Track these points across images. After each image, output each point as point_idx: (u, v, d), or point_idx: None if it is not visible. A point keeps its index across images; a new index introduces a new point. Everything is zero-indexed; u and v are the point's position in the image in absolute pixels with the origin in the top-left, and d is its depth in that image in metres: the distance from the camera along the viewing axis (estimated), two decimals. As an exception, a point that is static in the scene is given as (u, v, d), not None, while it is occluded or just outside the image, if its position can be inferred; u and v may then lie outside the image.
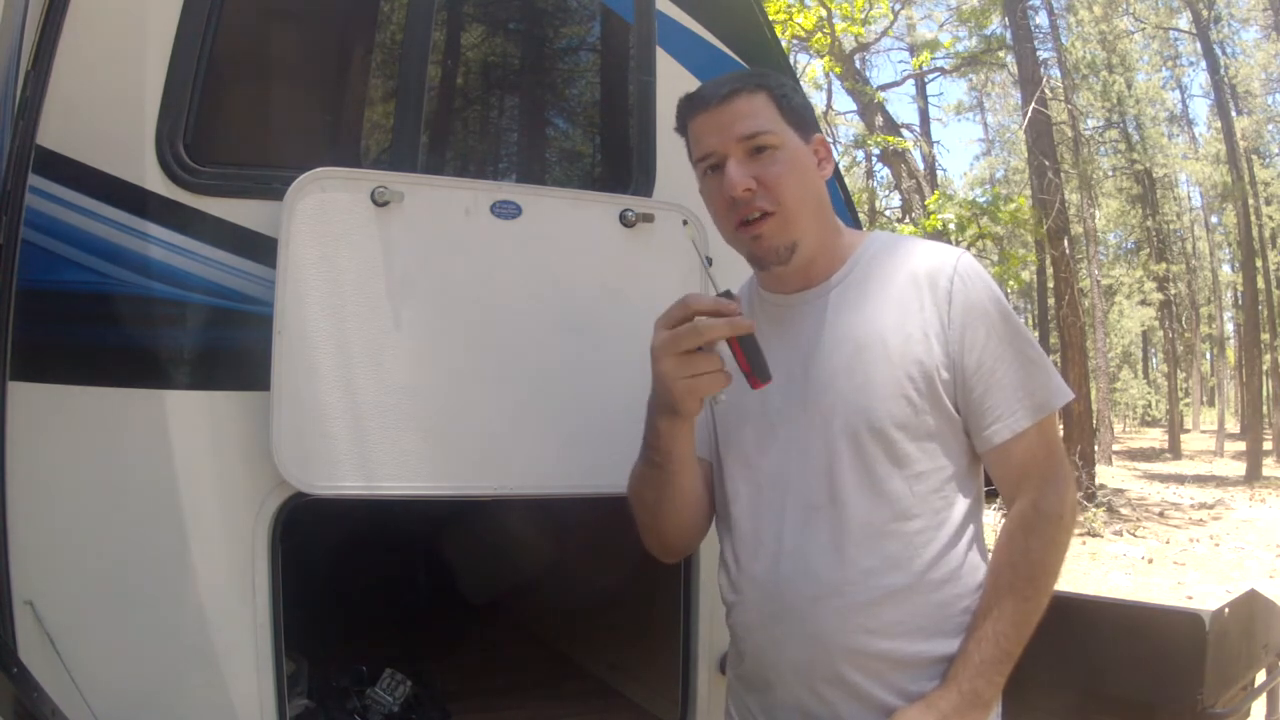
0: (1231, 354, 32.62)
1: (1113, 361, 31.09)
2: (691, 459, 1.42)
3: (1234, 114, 22.08)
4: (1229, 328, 32.79)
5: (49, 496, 1.63)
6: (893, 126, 14.34)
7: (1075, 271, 15.23)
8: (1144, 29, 23.36)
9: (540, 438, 1.87)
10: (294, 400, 1.69)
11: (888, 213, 16.43)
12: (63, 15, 1.65)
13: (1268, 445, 22.10)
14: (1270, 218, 24.18)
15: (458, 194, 1.85)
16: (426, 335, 1.79)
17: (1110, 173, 25.47)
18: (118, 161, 1.71)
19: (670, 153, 2.10)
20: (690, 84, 1.90)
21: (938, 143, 22.61)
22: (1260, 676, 2.16)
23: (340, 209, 1.75)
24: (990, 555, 1.36)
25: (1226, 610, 1.91)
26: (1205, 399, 39.31)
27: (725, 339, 1.24)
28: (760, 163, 1.34)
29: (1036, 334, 18.59)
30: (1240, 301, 26.63)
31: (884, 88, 15.67)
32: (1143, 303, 30.71)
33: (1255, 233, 21.87)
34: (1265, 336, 22.33)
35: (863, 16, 12.23)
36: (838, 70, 12.97)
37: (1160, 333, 31.54)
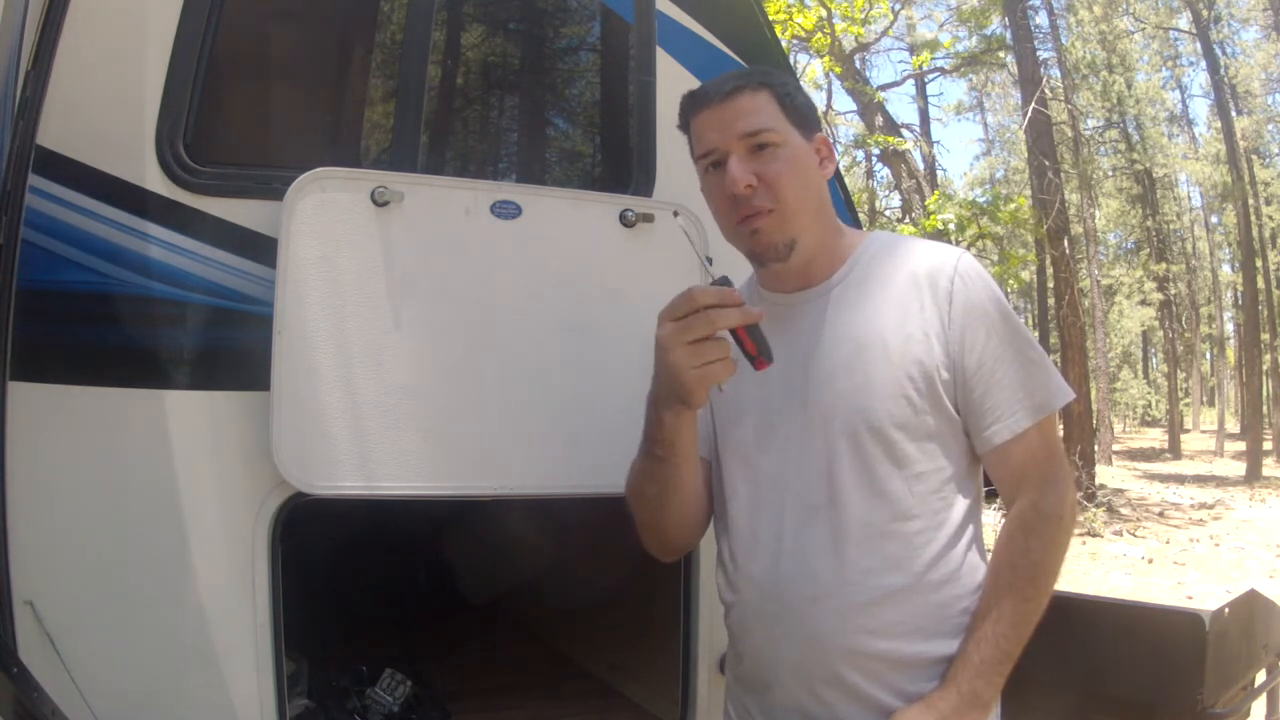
0: (1231, 354, 32.63)
1: (1113, 361, 31.10)
2: (694, 452, 1.42)
3: (1234, 114, 22.08)
4: (1229, 328, 32.81)
5: (49, 496, 1.63)
6: (893, 126, 14.34)
7: (1075, 271, 15.23)
8: (1144, 29, 23.37)
9: (540, 438, 1.87)
10: (294, 400, 1.69)
11: (888, 213, 16.44)
12: (63, 15, 1.65)
13: (1268, 445, 22.10)
14: (1270, 218, 24.18)
15: (458, 194, 1.85)
16: (426, 335, 1.80)
17: (1110, 173, 25.47)
18: (118, 161, 1.71)
19: (670, 153, 2.10)
20: (690, 84, 1.90)
21: (938, 143, 22.62)
22: (1260, 676, 2.16)
23: (340, 209, 1.75)
24: (990, 556, 1.36)
25: (1226, 610, 1.91)
26: (1205, 399, 39.32)
27: (734, 325, 1.24)
28: (761, 160, 1.34)
29: (1036, 334, 18.58)
30: (1240, 301, 26.63)
31: (884, 88, 15.68)
32: (1143, 303, 30.71)
33: (1255, 233, 21.87)
34: (1265, 336, 22.33)
35: (863, 16, 12.23)
36: (838, 70, 12.97)
37: (1160, 333, 31.54)
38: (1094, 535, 10.73)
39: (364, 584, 3.24)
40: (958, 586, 1.32)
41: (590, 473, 1.85)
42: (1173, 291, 27.06)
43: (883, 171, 17.35)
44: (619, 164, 2.37)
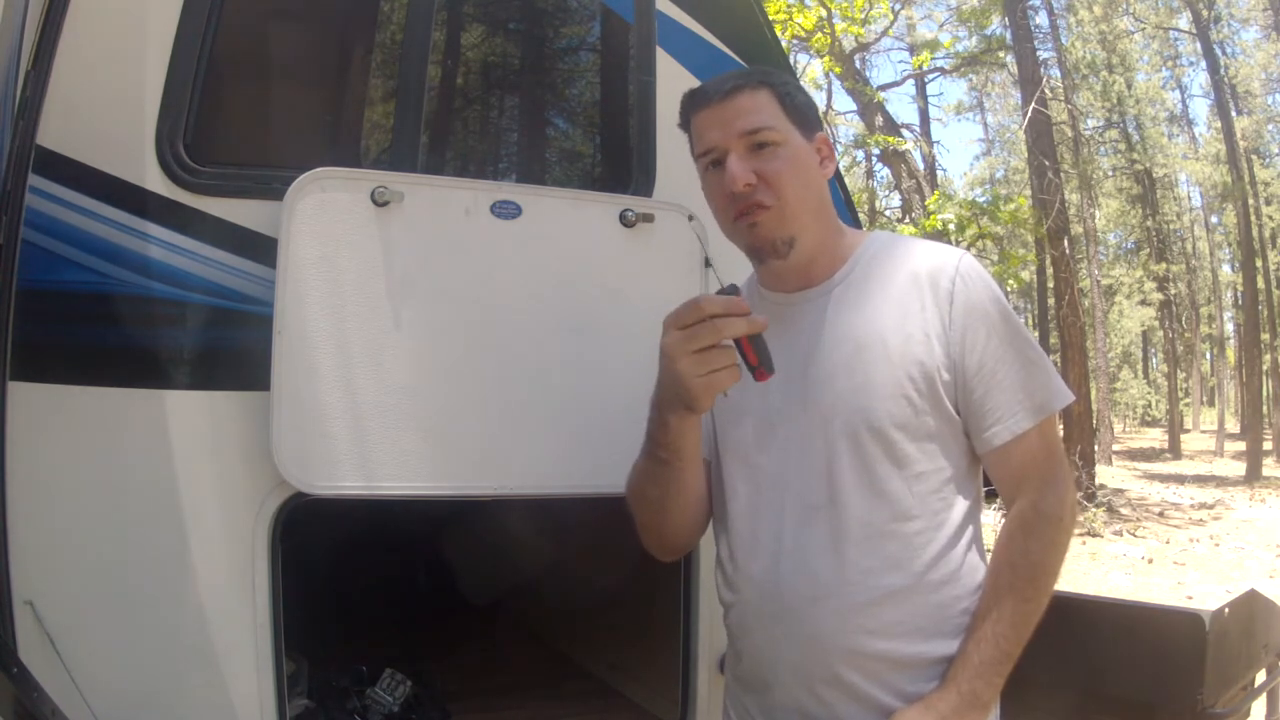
0: (1231, 354, 32.63)
1: (1113, 361, 31.10)
2: (698, 455, 1.42)
3: (1234, 114, 22.07)
4: (1229, 328, 32.80)
5: (49, 496, 1.63)
6: (893, 126, 14.34)
7: (1075, 271, 15.22)
8: (1144, 29, 23.36)
9: (540, 438, 1.87)
10: (294, 400, 1.69)
11: (888, 213, 16.44)
12: (63, 15, 1.65)
13: (1268, 445, 22.10)
14: (1270, 218, 24.18)
15: (458, 194, 1.85)
16: (426, 335, 1.79)
17: (1110, 173, 25.47)
18: (118, 161, 1.71)
19: (670, 153, 2.10)
20: (690, 84, 1.90)
21: (938, 143, 22.61)
22: (1260, 676, 2.16)
23: (340, 209, 1.75)
24: (990, 556, 1.36)
25: (1226, 610, 1.91)
26: (1205, 399, 39.31)
27: (740, 335, 1.24)
28: (761, 158, 1.34)
29: (1036, 334, 18.60)
30: (1240, 301, 26.63)
31: (884, 88, 15.69)
32: (1143, 303, 30.71)
33: (1255, 233, 21.87)
34: (1265, 336, 22.33)
35: (863, 16, 12.23)
36: (838, 70, 12.97)
37: (1160, 333, 31.54)
38: (1094, 535, 10.73)
39: (364, 584, 3.24)
40: (957, 587, 1.32)
41: (590, 473, 1.85)
42: (1173, 291, 27.06)
43: (883, 171, 17.37)
44: (619, 164, 2.37)
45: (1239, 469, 19.62)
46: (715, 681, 2.06)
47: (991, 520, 2.49)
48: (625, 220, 1.96)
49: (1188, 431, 32.67)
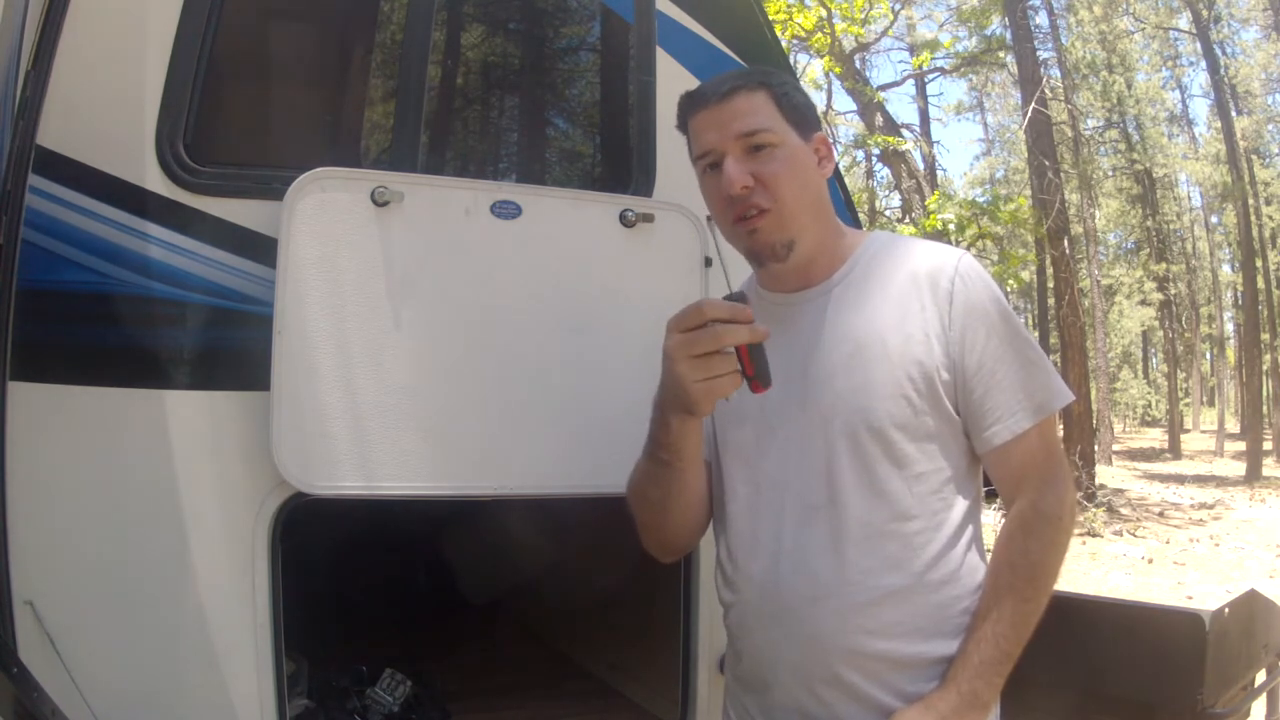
0: (1231, 354, 32.61)
1: (1113, 361, 31.09)
2: (699, 457, 1.42)
3: (1234, 114, 22.07)
4: (1229, 328, 32.80)
5: (49, 496, 1.63)
6: (893, 126, 14.34)
7: (1075, 271, 15.22)
8: (1144, 29, 23.36)
9: (540, 438, 1.87)
10: (294, 400, 1.69)
11: (888, 213, 16.44)
12: (63, 15, 1.65)
13: (1268, 445, 22.10)
14: (1270, 218, 24.17)
15: (458, 194, 1.85)
16: (426, 335, 1.80)
17: (1110, 173, 25.46)
18: (118, 161, 1.71)
19: (670, 153, 2.10)
20: (690, 84, 1.90)
21: (938, 143, 22.61)
22: (1260, 676, 2.16)
23: (340, 209, 1.75)
24: (990, 556, 1.36)
25: (1226, 610, 1.91)
26: (1205, 399, 39.31)
27: (741, 343, 1.24)
28: (759, 160, 1.34)
29: (1036, 334, 18.61)
30: (1240, 301, 26.63)
31: (884, 88, 15.70)
32: (1143, 303, 30.70)
33: (1255, 233, 21.87)
34: (1265, 336, 22.32)
35: (863, 16, 12.23)
36: (838, 70, 12.97)
37: (1160, 333, 31.53)
38: (1094, 535, 10.73)
39: (364, 584, 3.24)
40: (957, 587, 1.32)
41: (590, 473, 1.85)
42: (1173, 291, 27.05)
43: (883, 171, 17.36)
44: (619, 164, 2.37)
45: (1239, 469, 19.62)
46: (715, 681, 2.06)
47: (991, 520, 2.49)
48: (625, 220, 1.96)
49: (1188, 431, 32.67)
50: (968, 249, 6.10)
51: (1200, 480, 18.34)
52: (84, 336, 1.69)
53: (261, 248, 1.75)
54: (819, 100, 15.04)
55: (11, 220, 1.55)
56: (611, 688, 2.70)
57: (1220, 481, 18.05)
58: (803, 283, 1.42)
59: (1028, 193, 14.16)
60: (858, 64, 14.90)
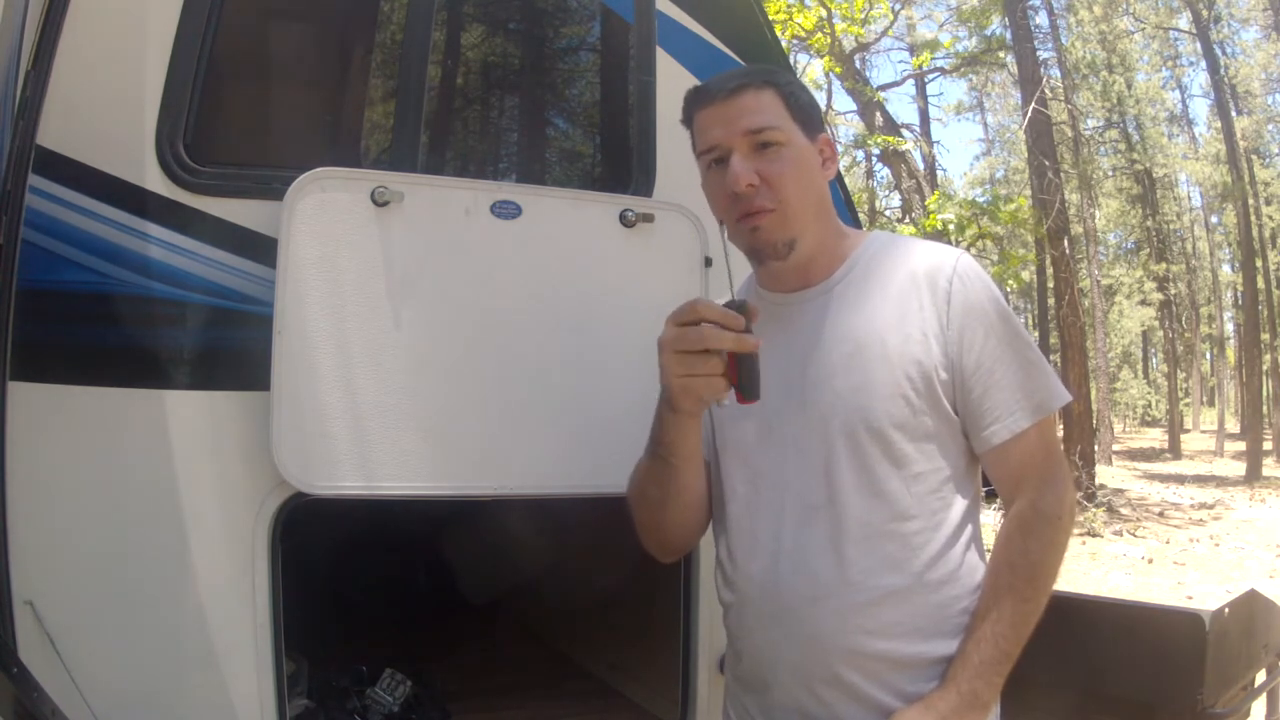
0: (1231, 354, 32.61)
1: (1113, 361, 31.09)
2: (697, 455, 1.42)
3: (1234, 114, 22.07)
4: (1229, 328, 32.79)
5: (49, 496, 1.63)
6: (893, 126, 14.34)
7: (1075, 271, 15.22)
8: (1144, 29, 23.36)
9: (540, 438, 1.87)
10: (294, 400, 1.69)
11: (888, 213, 16.43)
12: (63, 15, 1.65)
13: (1268, 445, 22.09)
14: (1270, 218, 24.17)
15: (458, 194, 1.85)
16: (426, 335, 1.80)
17: (1110, 173, 25.46)
18: (118, 161, 1.71)
19: (670, 153, 2.10)
20: (690, 84, 1.90)
21: (938, 143, 22.60)
22: (1260, 676, 2.16)
23: (340, 209, 1.75)
24: (989, 556, 1.36)
25: (1226, 610, 1.91)
26: (1205, 399, 39.30)
27: (726, 350, 1.24)
28: (764, 159, 1.34)
29: (1036, 334, 18.62)
30: (1240, 301, 26.62)
31: (884, 88, 15.68)
32: (1143, 303, 30.70)
33: (1255, 233, 21.86)
34: (1265, 336, 22.32)
35: (863, 16, 12.22)
36: (838, 70, 12.96)
37: (1160, 333, 31.53)
38: (1094, 535, 10.73)
39: (364, 584, 3.24)
40: (957, 587, 1.32)
41: (590, 473, 1.85)
42: (1173, 291, 27.05)
43: (883, 171, 17.35)
44: (619, 164, 2.37)
45: (1239, 469, 19.62)
46: (715, 681, 2.06)
47: (991, 520, 2.49)
48: (625, 220, 1.96)
49: (1188, 431, 32.66)
50: (968, 249, 6.10)
51: (1200, 480, 18.34)
52: (84, 336, 1.69)
53: (261, 248, 1.75)
54: (819, 100, 15.02)
55: (11, 220, 1.55)
56: (611, 688, 2.70)
57: (1220, 481, 18.04)
58: (802, 282, 1.42)
59: (1028, 193, 14.16)
60: (858, 64, 14.90)
